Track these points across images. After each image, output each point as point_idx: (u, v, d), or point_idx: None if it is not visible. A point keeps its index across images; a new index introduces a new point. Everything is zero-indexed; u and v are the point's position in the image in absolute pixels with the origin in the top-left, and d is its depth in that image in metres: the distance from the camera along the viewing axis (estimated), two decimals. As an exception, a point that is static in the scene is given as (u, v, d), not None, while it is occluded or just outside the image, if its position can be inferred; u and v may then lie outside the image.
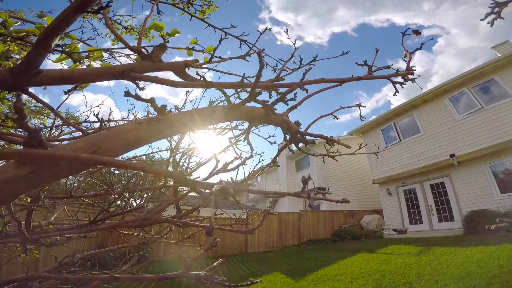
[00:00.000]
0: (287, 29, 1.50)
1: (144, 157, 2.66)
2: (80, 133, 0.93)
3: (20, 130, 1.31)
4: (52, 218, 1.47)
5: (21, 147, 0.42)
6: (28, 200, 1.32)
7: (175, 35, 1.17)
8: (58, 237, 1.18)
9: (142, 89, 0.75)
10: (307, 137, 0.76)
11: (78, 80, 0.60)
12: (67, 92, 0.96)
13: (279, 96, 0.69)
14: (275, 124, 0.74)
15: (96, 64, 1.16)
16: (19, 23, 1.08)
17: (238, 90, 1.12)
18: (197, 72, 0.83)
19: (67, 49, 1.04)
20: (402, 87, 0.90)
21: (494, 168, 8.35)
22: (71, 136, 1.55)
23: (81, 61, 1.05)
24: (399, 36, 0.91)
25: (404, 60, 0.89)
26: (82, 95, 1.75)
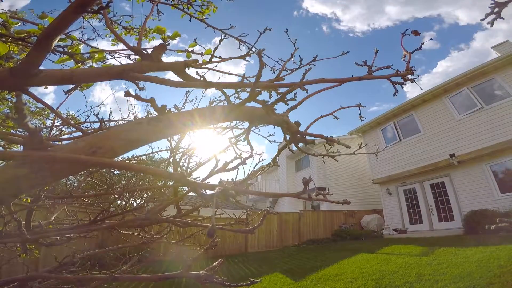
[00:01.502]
0: (287, 30, 1.49)
1: (144, 157, 2.66)
2: (80, 133, 0.93)
3: (21, 130, 1.31)
4: (52, 218, 1.46)
5: (22, 147, 0.42)
6: (28, 200, 1.32)
7: (176, 38, 1.17)
8: (58, 237, 1.18)
9: (142, 89, 0.75)
10: (307, 137, 0.76)
11: (78, 80, 0.60)
12: (67, 92, 0.97)
13: (279, 96, 0.69)
14: (275, 124, 0.74)
15: (97, 65, 1.16)
16: (20, 23, 1.08)
17: (238, 90, 1.12)
18: (197, 72, 0.83)
19: (69, 50, 1.04)
20: (402, 87, 0.90)
21: (494, 167, 8.36)
22: (71, 136, 1.55)
23: (83, 62, 1.05)
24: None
25: (403, 60, 0.89)
26: (82, 95, 1.75)
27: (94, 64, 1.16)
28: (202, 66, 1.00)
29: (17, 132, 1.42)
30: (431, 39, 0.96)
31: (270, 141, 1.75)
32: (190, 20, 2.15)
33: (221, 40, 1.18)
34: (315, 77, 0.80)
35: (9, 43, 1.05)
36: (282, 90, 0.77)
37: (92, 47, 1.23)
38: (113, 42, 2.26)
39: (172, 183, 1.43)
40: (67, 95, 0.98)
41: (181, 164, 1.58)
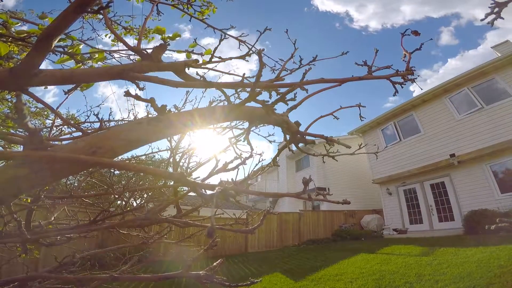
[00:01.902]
0: (287, 30, 1.49)
1: (144, 157, 2.66)
2: (80, 133, 0.93)
3: (21, 130, 1.31)
4: (52, 218, 1.46)
5: (22, 147, 0.42)
6: (28, 200, 1.32)
7: (176, 38, 1.17)
8: (58, 237, 1.18)
9: (142, 89, 0.75)
10: (307, 137, 0.76)
11: (78, 80, 0.60)
12: (67, 92, 0.96)
13: (279, 96, 0.69)
14: (275, 124, 0.74)
15: (98, 65, 1.16)
16: (20, 24, 1.08)
17: (238, 90, 1.12)
18: (197, 72, 0.83)
19: (69, 51, 1.04)
20: (402, 87, 0.90)
21: (494, 167, 8.35)
22: (71, 136, 1.55)
23: (84, 62, 1.05)
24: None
25: (403, 60, 0.89)
26: (82, 95, 1.75)
27: (94, 64, 1.16)
28: (202, 66, 1.00)
29: (17, 132, 1.42)
30: (431, 39, 0.95)
31: (270, 141, 1.75)
32: (190, 20, 2.15)
33: (221, 40, 1.18)
34: (316, 77, 0.80)
35: (9, 43, 1.05)
36: (282, 90, 0.77)
37: (92, 47, 1.23)
38: (113, 42, 2.26)
39: (172, 183, 1.43)
40: (67, 95, 0.98)
41: (181, 164, 1.58)
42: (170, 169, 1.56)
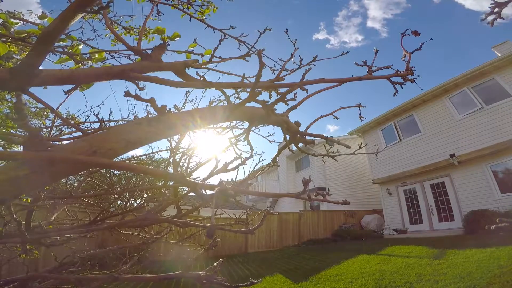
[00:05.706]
0: (287, 30, 1.50)
1: (144, 157, 2.66)
2: (80, 133, 0.92)
3: (21, 130, 1.31)
4: (52, 218, 1.46)
5: (22, 147, 0.42)
6: (29, 200, 1.32)
7: (176, 38, 1.17)
8: (58, 237, 1.18)
9: (142, 89, 0.75)
10: (307, 137, 0.76)
11: (78, 80, 0.60)
12: (67, 92, 0.96)
13: (279, 96, 0.69)
14: (275, 124, 0.74)
15: (97, 65, 1.16)
16: (20, 24, 1.08)
17: (238, 90, 1.12)
18: (197, 72, 0.83)
19: (69, 51, 1.04)
20: (402, 87, 0.90)
21: (494, 168, 8.36)
22: (71, 136, 1.55)
23: (83, 62, 1.05)
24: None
25: (403, 60, 0.89)
26: (82, 95, 1.75)
27: (94, 64, 1.16)
28: (202, 66, 1.00)
29: (17, 132, 1.42)
30: (431, 39, 0.95)
31: (270, 141, 1.75)
32: (190, 20, 2.15)
33: (221, 41, 1.17)
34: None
35: (9, 43, 1.05)
36: (282, 90, 0.77)
37: (92, 47, 1.23)
38: (113, 42, 2.26)
39: (172, 183, 1.43)
40: (67, 95, 0.98)
41: (181, 164, 1.58)
42: (170, 169, 1.56)
